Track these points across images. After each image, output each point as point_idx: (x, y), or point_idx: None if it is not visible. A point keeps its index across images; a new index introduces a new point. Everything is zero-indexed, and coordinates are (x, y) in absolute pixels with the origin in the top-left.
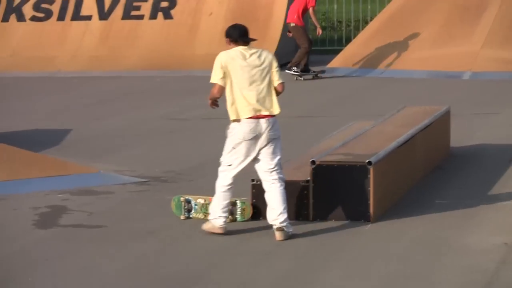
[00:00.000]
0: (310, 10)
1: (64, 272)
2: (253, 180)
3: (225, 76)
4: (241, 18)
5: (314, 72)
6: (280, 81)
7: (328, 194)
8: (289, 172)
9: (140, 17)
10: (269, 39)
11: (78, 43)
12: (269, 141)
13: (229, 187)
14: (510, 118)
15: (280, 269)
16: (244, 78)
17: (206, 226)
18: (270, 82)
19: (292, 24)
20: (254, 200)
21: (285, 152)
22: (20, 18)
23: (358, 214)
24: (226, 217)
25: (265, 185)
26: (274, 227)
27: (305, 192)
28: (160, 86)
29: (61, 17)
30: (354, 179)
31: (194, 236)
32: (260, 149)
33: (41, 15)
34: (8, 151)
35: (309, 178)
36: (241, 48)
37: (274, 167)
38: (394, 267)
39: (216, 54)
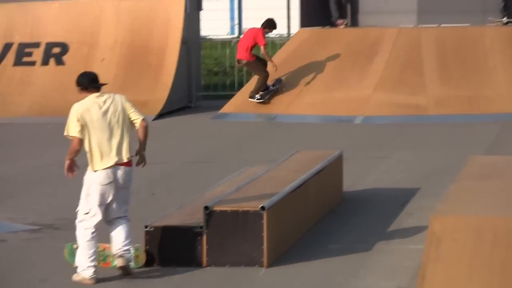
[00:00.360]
0: (262, 48)
1: None
2: (146, 227)
3: (82, 128)
4: (133, 64)
5: (272, 86)
6: (141, 118)
7: (222, 240)
8: (182, 218)
9: (32, 63)
10: (161, 85)
11: None
12: (123, 188)
13: (92, 235)
14: (402, 162)
15: None
16: (101, 128)
17: (76, 278)
18: (127, 127)
19: (244, 61)
20: (147, 247)
21: (178, 198)
22: None
23: (252, 260)
24: (95, 266)
25: (112, 224)
26: (116, 255)
27: (199, 238)
28: (52, 133)
29: None
30: (248, 225)
31: (85, 285)
32: (114, 196)
33: None
34: None
35: (202, 224)
36: (93, 97)
37: (124, 214)
38: None
39: None
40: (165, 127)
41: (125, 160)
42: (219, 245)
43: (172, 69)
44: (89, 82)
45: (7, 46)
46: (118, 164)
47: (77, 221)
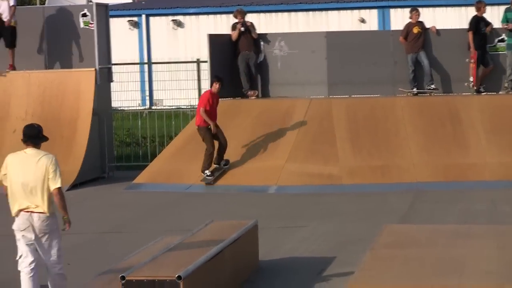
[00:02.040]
0: (200, 111)
1: None
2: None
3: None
4: (45, 134)
5: (224, 162)
6: (55, 187)
7: None
8: None
9: None
10: (74, 156)
11: None
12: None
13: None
14: (316, 231)
15: None
16: (19, 177)
17: None
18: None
19: (196, 127)
20: None
21: (93, 268)
22: None
23: None
24: None
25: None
26: None
27: None
28: None
29: None
30: None
31: None
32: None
33: None
34: None
35: None
36: (28, 150)
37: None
38: None
39: None
40: (79, 198)
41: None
42: None
43: (84, 140)
44: (28, 138)
45: None
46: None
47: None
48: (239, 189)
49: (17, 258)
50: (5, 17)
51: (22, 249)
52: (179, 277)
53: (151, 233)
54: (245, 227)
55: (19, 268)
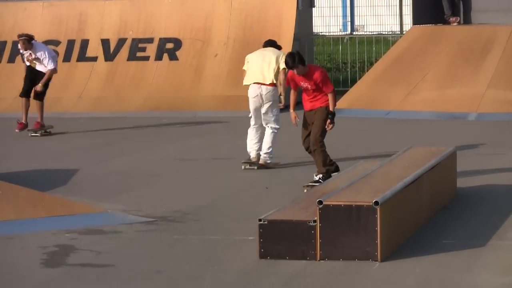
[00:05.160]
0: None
1: None
2: (260, 220)
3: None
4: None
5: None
6: (282, 67)
7: (335, 234)
8: (296, 211)
9: (146, 58)
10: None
11: (83, 85)
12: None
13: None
14: None
15: None
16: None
17: None
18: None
19: None
20: (261, 240)
21: (292, 191)
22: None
23: (365, 254)
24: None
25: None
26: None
27: (312, 232)
28: (166, 127)
29: (66, 58)
30: (361, 219)
31: (200, 277)
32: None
33: None
34: (15, 190)
35: (316, 218)
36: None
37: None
38: None
39: (221, 95)
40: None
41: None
42: (332, 239)
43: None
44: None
45: (121, 42)
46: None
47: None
48: (438, 116)
49: (249, 115)
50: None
51: (251, 111)
52: (376, 203)
53: (349, 158)
54: (443, 154)
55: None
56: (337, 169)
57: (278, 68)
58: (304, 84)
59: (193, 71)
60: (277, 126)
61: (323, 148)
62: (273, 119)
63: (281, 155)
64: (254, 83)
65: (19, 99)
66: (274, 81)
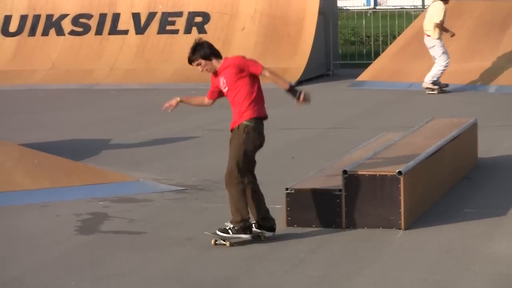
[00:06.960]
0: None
1: (105, 276)
2: (287, 189)
3: None
4: (272, 33)
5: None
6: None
7: (360, 203)
8: (322, 180)
9: (175, 31)
10: (300, 54)
11: (115, 57)
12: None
13: None
14: None
15: (313, 275)
16: None
17: None
18: None
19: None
20: (288, 208)
21: (318, 161)
22: (59, 32)
23: (389, 222)
24: None
25: None
26: None
27: (338, 200)
28: None
29: (98, 32)
30: (385, 189)
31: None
32: None
33: (79, 29)
34: (50, 160)
35: (341, 187)
36: None
37: None
38: (424, 274)
39: None
40: None
41: None
42: (357, 207)
43: (310, 38)
44: None
45: (151, 15)
46: None
47: None
48: (459, 88)
49: None
50: None
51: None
52: (399, 173)
53: (373, 129)
54: (465, 125)
55: None
56: (272, 228)
57: None
58: (223, 86)
59: (221, 44)
60: None
61: (241, 186)
62: None
63: (308, 126)
64: None
65: (52, 71)
66: None
